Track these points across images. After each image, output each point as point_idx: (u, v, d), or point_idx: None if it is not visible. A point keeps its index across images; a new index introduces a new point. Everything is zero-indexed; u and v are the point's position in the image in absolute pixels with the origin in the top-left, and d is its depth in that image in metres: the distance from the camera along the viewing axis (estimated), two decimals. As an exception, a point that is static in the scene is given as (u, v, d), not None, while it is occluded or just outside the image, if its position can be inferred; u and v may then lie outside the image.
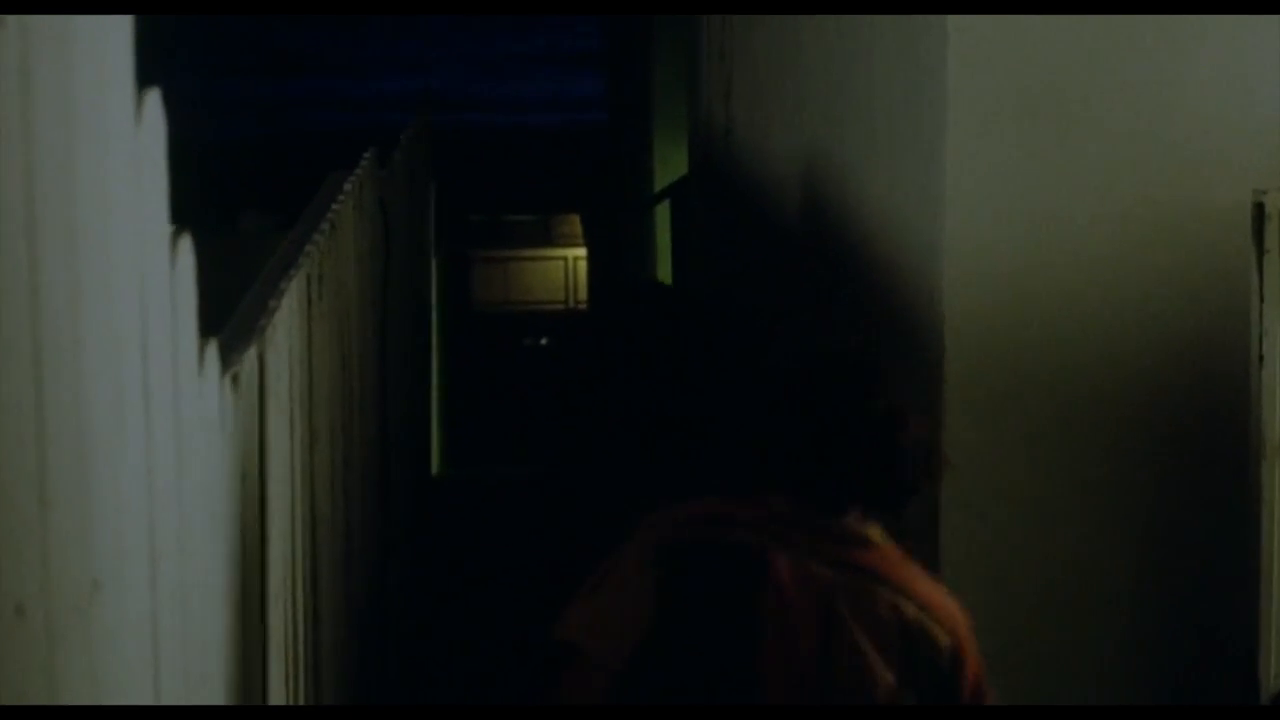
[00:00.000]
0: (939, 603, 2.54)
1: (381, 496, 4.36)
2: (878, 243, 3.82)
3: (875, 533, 2.52)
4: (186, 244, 1.91)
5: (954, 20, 3.30)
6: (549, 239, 20.52)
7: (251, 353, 2.27)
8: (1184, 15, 3.32)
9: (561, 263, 20.25)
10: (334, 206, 3.21)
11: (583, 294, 19.12)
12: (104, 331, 1.61)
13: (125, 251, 1.68)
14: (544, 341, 18.82)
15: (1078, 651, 3.41)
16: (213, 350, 2.06)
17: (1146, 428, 3.39)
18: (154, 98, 1.77)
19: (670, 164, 9.76)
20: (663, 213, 9.62)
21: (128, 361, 1.69)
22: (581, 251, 19.19)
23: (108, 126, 1.62)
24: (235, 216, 9.96)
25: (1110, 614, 3.41)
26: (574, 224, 20.18)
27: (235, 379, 2.19)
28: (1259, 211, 3.05)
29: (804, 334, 4.67)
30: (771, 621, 2.45)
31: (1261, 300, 3.09)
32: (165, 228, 1.81)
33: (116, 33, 1.60)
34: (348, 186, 3.40)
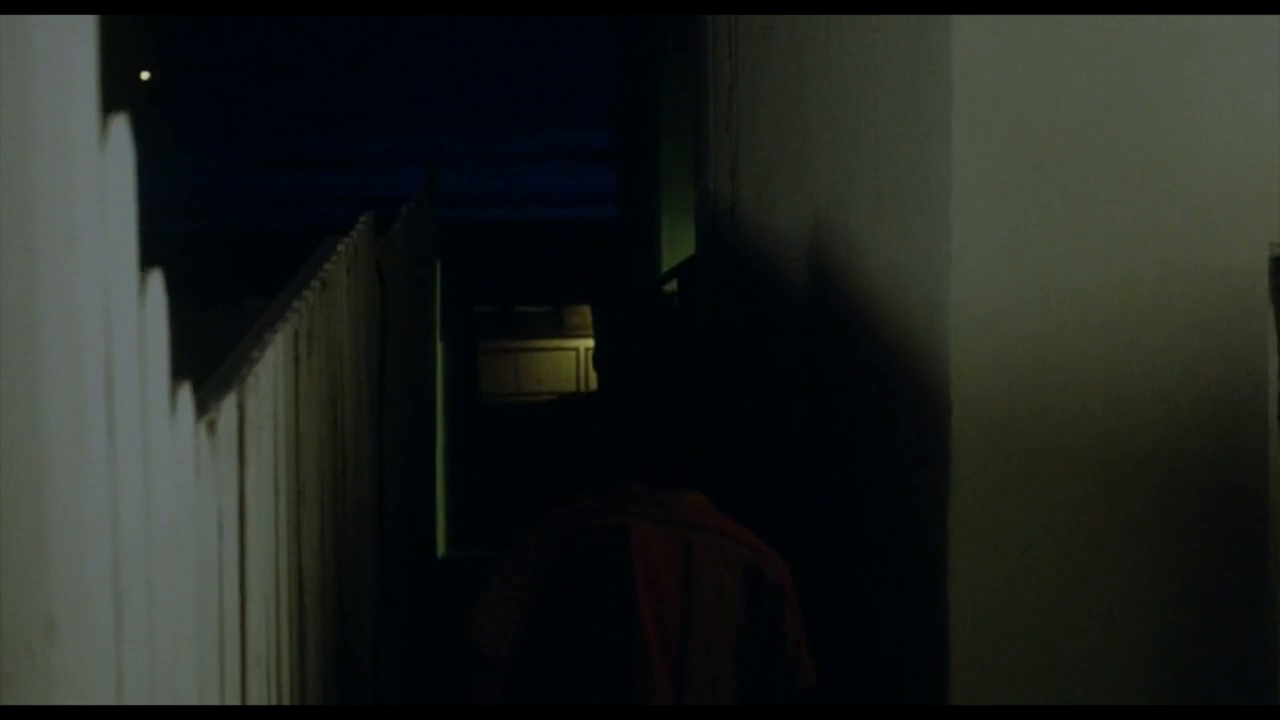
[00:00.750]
0: (765, 548, 3.25)
1: (378, 570, 4.27)
2: (884, 304, 3.75)
3: (702, 499, 3.27)
4: (157, 279, 1.84)
5: (960, 78, 3.24)
6: (561, 329, 20.46)
7: (230, 399, 2.19)
8: (1194, 69, 3.25)
9: (573, 353, 20.18)
10: (326, 266, 3.13)
11: (594, 383, 19.06)
12: (64, 358, 1.54)
13: (89, 277, 1.61)
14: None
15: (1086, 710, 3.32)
16: (186, 393, 1.98)
17: (1161, 494, 3.31)
18: (120, 122, 1.70)
19: (678, 246, 9.76)
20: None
21: (90, 393, 1.61)
22: (592, 341, 19.12)
23: (70, 143, 1.55)
24: (241, 299, 9.96)
25: (1123, 677, 3.32)
26: (585, 314, 20.14)
27: (212, 425, 2.11)
28: (1276, 266, 2.98)
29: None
30: (642, 576, 3.14)
31: None
32: (133, 259, 1.74)
33: (79, 43, 1.53)
34: (341, 248, 3.32)
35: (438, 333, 8.74)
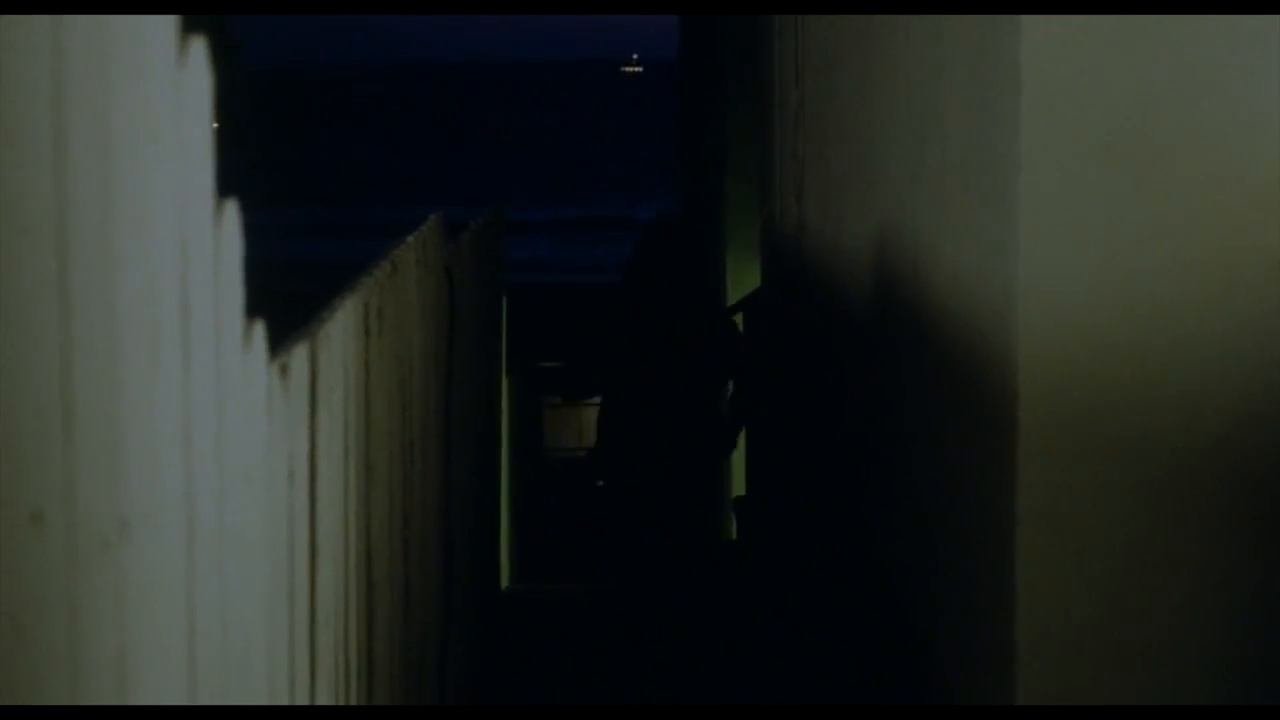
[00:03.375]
0: None
1: (445, 578, 4.26)
2: (952, 297, 3.74)
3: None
4: (233, 209, 1.86)
5: (1028, 67, 3.24)
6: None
7: (303, 348, 2.20)
8: (1258, 58, 3.24)
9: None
10: (396, 251, 3.15)
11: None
12: (139, 267, 1.55)
13: (165, 191, 1.62)
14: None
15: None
16: (260, 331, 1.99)
17: (1228, 486, 3.28)
18: (199, 44, 1.72)
19: (742, 282, 9.80)
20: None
21: (165, 306, 1.62)
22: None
23: (146, 62, 1.57)
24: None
25: (1191, 669, 3.29)
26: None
27: (284, 369, 2.12)
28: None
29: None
30: None
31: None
32: (209, 177, 1.75)
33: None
34: (410, 238, 3.34)
35: (504, 367, 8.76)
